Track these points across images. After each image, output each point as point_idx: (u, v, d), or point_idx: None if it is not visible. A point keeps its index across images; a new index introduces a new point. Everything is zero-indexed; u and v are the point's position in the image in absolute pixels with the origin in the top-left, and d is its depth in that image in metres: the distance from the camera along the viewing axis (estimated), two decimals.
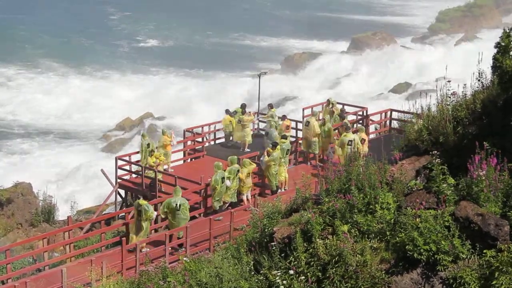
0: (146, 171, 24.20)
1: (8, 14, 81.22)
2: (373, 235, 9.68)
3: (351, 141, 22.20)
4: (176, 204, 19.04)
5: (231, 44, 73.85)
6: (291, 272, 9.69)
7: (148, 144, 25.30)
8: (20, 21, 78.55)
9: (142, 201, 19.30)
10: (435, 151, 10.10)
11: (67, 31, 74.61)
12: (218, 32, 77.43)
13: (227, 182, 21.02)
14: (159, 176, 24.06)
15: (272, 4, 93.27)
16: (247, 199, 21.76)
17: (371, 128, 28.72)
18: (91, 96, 53.25)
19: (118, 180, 25.75)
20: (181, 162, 27.17)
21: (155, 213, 19.70)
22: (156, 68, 63.36)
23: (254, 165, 22.14)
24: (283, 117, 27.47)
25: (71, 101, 52.69)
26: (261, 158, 22.91)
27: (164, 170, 25.00)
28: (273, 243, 10.19)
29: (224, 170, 21.36)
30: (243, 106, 28.26)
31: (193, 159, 27.56)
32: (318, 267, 9.61)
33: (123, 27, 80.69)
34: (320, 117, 26.61)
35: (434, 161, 9.81)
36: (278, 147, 22.94)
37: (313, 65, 60.37)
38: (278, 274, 9.76)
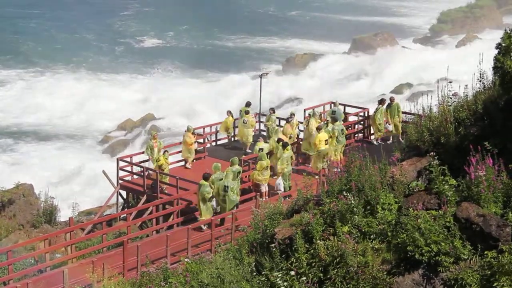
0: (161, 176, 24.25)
1: (27, 9, 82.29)
2: (375, 236, 9.67)
3: (261, 149, 23.63)
4: (225, 186, 19.60)
5: (232, 45, 73.85)
6: (292, 273, 9.69)
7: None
8: (36, 15, 79.40)
9: (202, 182, 20.31)
10: (433, 152, 10.10)
11: (76, 28, 75.11)
12: (219, 33, 77.44)
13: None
14: (166, 179, 24.14)
15: (274, 5, 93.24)
16: (265, 192, 22.11)
17: (372, 129, 28.69)
18: (92, 97, 53.20)
19: (120, 181, 25.77)
20: (183, 162, 27.16)
21: (210, 192, 20.43)
22: (157, 69, 63.34)
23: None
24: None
25: (73, 101, 52.63)
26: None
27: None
28: (274, 244, 10.19)
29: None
30: (248, 104, 28.40)
31: (194, 160, 27.56)
32: (320, 268, 9.61)
33: (129, 25, 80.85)
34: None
35: (432, 162, 9.82)
36: (289, 147, 23.17)
37: (315, 66, 60.30)
38: (279, 275, 9.76)
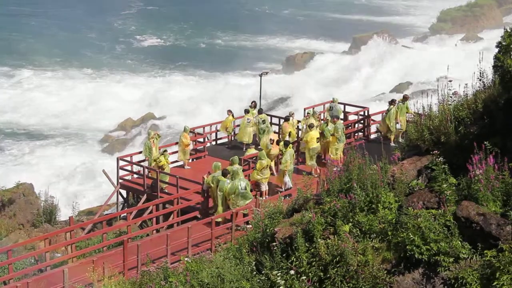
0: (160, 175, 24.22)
1: (28, 7, 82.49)
2: (375, 235, 9.67)
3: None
4: (241, 185, 20.01)
5: (232, 45, 73.84)
6: (292, 272, 9.69)
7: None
8: (37, 14, 79.59)
9: (221, 177, 20.55)
10: (436, 151, 10.10)
11: (77, 26, 75.25)
12: (219, 33, 77.45)
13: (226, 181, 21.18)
14: (166, 178, 24.12)
15: (273, 4, 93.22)
16: (265, 191, 22.25)
17: (373, 128, 28.71)
18: (92, 96, 53.21)
19: (120, 181, 25.76)
20: (181, 162, 27.13)
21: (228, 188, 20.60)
22: (157, 68, 63.34)
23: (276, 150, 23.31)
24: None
25: (73, 101, 52.63)
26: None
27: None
28: (274, 243, 10.19)
29: None
30: (252, 104, 28.40)
31: (194, 159, 27.56)
32: (320, 267, 9.61)
33: (129, 24, 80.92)
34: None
35: (436, 160, 9.81)
36: (290, 145, 23.25)
37: (314, 65, 60.31)
38: (279, 274, 9.77)
